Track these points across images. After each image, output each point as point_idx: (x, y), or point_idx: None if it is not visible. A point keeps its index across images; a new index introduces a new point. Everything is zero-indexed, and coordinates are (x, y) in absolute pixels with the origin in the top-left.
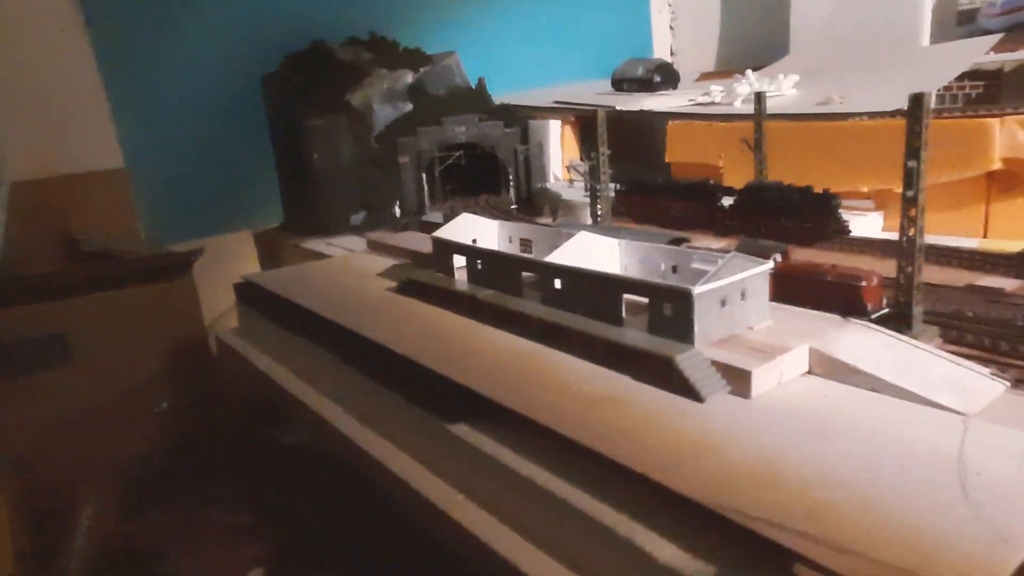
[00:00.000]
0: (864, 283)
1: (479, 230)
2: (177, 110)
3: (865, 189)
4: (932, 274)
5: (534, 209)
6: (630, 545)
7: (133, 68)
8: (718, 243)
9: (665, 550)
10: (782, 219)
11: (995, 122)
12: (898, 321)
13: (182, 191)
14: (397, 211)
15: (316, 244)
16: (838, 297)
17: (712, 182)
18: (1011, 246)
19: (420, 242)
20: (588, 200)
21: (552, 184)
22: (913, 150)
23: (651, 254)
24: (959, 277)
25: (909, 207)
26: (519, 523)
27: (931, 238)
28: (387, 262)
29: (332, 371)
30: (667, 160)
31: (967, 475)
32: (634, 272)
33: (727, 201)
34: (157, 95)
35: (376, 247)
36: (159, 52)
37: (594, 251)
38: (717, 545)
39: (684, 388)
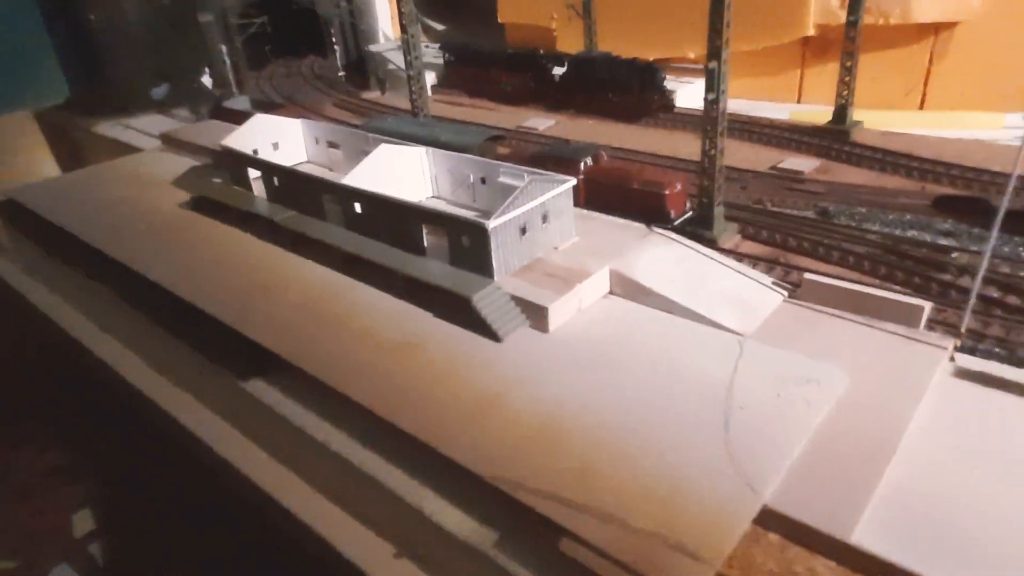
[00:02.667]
0: (667, 191)
1: (280, 132)
2: None
3: (692, 55)
4: (742, 153)
5: (363, 77)
6: (420, 513)
7: None
8: (549, 119)
9: (453, 516)
10: (609, 94)
11: None
12: (701, 223)
13: None
14: (207, 80)
15: (111, 128)
16: (644, 205)
17: (542, 52)
18: (821, 113)
19: (221, 133)
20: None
21: (382, 46)
22: (715, 48)
23: (459, 165)
24: (767, 157)
25: (710, 116)
26: (311, 478)
27: (747, 104)
28: (184, 163)
29: (115, 312)
30: (500, 21)
31: (731, 410)
32: (444, 183)
33: (559, 71)
34: None
35: (172, 143)
36: None
37: (400, 163)
38: (502, 513)
39: (482, 328)
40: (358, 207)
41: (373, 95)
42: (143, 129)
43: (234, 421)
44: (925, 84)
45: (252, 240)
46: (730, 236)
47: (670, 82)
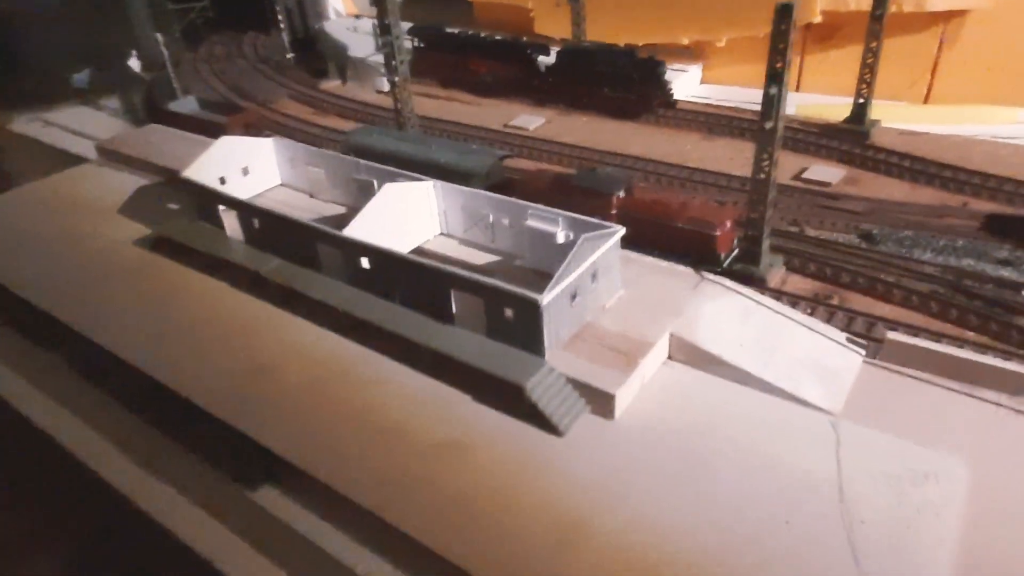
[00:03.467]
0: (718, 232)
1: (249, 154)
2: None
3: (686, 41)
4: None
5: (316, 61)
6: None
7: None
8: (538, 115)
9: None
10: (605, 88)
11: None
12: (747, 259)
13: None
14: (135, 63)
15: (29, 125)
16: (690, 246)
17: (526, 39)
18: (831, 108)
19: (171, 144)
20: (380, 57)
21: (334, 24)
22: (775, 72)
23: (476, 202)
24: (787, 164)
25: (765, 144)
26: None
27: (740, 92)
28: (129, 182)
29: (70, 388)
30: None
31: (853, 529)
32: (456, 219)
33: (542, 59)
34: None
35: (111, 156)
36: None
37: (406, 202)
38: None
39: (539, 420)
40: (365, 262)
41: (332, 84)
42: (67, 125)
43: (241, 534)
44: (932, 75)
45: (231, 293)
46: (776, 271)
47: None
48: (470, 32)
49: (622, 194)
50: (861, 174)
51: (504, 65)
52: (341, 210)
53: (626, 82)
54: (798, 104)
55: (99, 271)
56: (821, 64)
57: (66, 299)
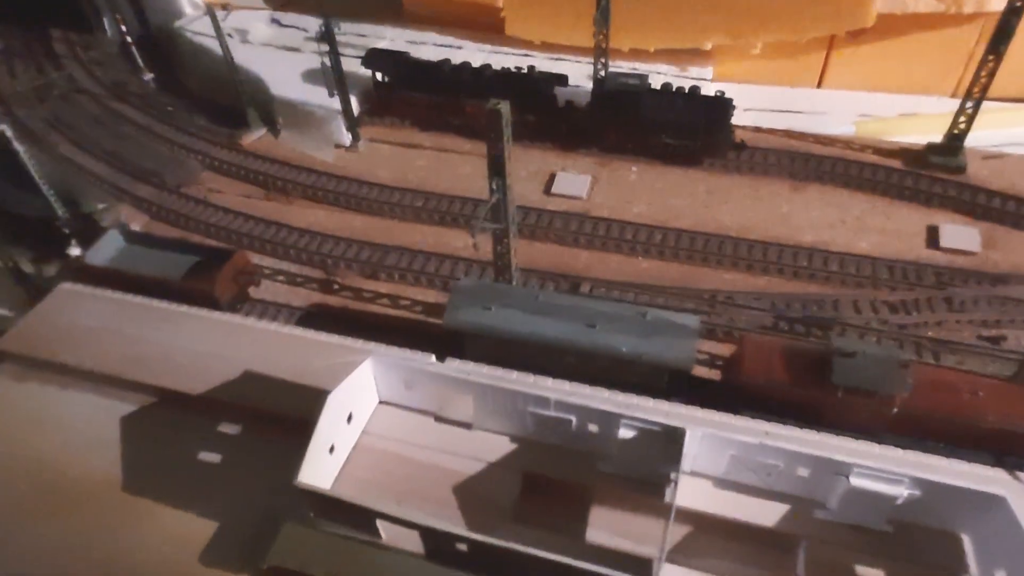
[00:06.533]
0: None
1: (351, 398)
2: None
3: (708, 46)
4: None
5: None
6: None
7: None
8: (575, 171)
9: None
10: (662, 136)
11: None
12: None
13: None
14: None
15: None
16: (1001, 446)
17: (538, 72)
18: (886, 124)
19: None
20: (329, 101)
21: (191, 20)
22: None
23: (760, 453)
24: (906, 225)
25: None
26: None
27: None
28: (73, 407)
29: None
30: None
31: None
32: (709, 459)
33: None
34: None
35: (20, 364)
36: None
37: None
38: None
39: None
40: None
41: (256, 137)
42: None
43: None
44: (966, 69)
45: None
46: None
47: (678, 78)
48: (454, 63)
49: (907, 392)
50: (997, 232)
51: (514, 106)
52: (504, 440)
53: (689, 128)
54: (857, 120)
55: None
56: (850, 58)
57: None
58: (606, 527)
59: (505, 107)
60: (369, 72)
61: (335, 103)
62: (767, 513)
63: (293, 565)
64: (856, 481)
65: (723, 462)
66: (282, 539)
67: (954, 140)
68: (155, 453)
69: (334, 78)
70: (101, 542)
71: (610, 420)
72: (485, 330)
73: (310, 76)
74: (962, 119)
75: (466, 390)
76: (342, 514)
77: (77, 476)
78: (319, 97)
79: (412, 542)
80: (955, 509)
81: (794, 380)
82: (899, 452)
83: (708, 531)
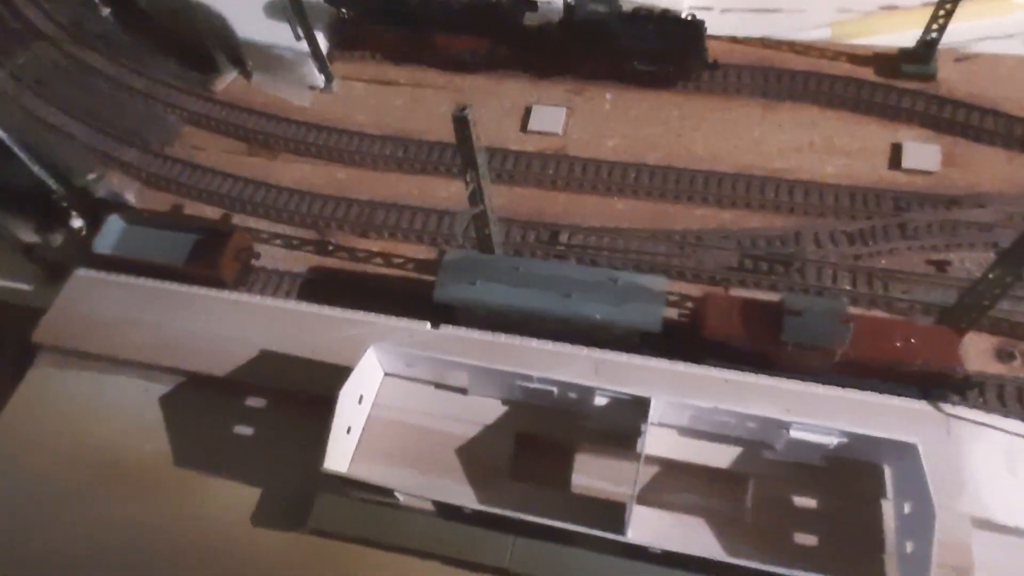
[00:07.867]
0: (958, 366)
1: (361, 383)
2: None
3: None
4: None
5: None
6: None
7: None
8: (548, 102)
9: None
10: (634, 62)
11: None
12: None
13: None
14: None
15: None
16: (925, 383)
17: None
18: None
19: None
20: (294, 40)
21: None
22: None
23: (713, 416)
24: (871, 136)
25: None
26: None
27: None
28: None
29: None
30: None
31: None
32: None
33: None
34: None
35: (68, 354)
36: None
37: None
38: None
39: None
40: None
41: (229, 81)
42: None
43: None
44: None
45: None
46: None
47: None
48: None
49: (847, 344)
50: (960, 147)
51: (485, 37)
52: (497, 404)
53: (662, 54)
54: (832, 21)
55: None
56: None
57: None
58: (588, 473)
59: (472, 111)
60: None
61: (304, 46)
62: (722, 455)
63: (331, 528)
64: (795, 434)
65: (684, 417)
66: (318, 507)
67: (927, 47)
68: (194, 430)
69: (298, 21)
70: (171, 516)
71: (587, 391)
72: (471, 303)
73: (274, 12)
74: (941, 14)
75: (460, 368)
76: (365, 490)
77: (135, 458)
78: (287, 38)
79: (428, 503)
80: (878, 450)
81: (750, 335)
82: (840, 391)
83: (673, 472)
